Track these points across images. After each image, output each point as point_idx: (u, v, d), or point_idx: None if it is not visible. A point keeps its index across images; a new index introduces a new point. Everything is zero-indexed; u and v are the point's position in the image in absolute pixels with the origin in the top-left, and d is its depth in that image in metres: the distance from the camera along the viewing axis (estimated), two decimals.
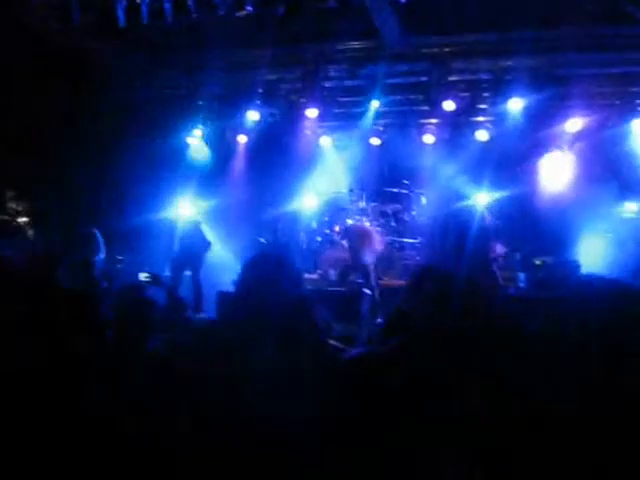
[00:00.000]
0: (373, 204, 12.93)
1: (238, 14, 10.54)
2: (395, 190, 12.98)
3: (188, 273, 12.26)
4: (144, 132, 13.69)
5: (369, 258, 10.75)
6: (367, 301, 9.90)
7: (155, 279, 8.09)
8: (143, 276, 10.56)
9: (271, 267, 3.24)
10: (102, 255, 10.42)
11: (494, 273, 10.52)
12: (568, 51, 11.50)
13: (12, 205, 10.62)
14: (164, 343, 3.57)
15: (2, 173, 10.80)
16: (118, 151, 13.13)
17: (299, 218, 13.52)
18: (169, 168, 13.71)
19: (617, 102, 11.95)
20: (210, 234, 12.74)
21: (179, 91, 13.75)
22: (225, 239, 13.51)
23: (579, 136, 12.31)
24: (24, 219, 10.62)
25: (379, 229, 12.45)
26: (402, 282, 11.46)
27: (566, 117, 12.19)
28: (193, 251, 12.15)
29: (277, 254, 3.67)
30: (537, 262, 10.97)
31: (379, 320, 9.36)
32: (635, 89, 11.89)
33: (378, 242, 11.21)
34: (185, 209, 12.82)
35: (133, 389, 3.21)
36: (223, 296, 9.43)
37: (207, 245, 12.22)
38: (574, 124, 12.23)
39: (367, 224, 12.39)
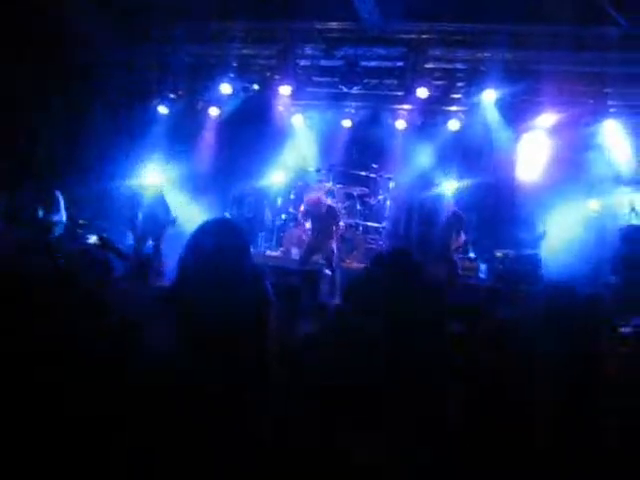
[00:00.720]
0: (339, 185, 12.90)
1: None
2: (363, 173, 12.95)
3: (151, 243, 12.15)
4: (113, 99, 13.58)
5: (333, 238, 10.71)
6: (326, 282, 9.91)
7: (105, 243, 8.00)
8: (93, 239, 10.47)
9: (223, 235, 3.17)
10: (63, 217, 10.36)
11: (454, 262, 10.59)
12: (544, 48, 11.56)
13: None
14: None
15: None
16: (86, 117, 13.00)
17: (266, 194, 13.45)
18: (138, 136, 13.58)
19: (590, 101, 11.98)
20: (175, 206, 12.57)
21: (150, 60, 13.58)
22: (191, 211, 13.39)
23: (550, 132, 12.34)
24: None
25: (344, 211, 12.46)
26: (364, 265, 11.51)
27: (538, 112, 12.21)
28: (156, 222, 12.01)
29: (228, 221, 3.62)
30: (498, 254, 11.03)
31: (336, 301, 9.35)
32: (608, 90, 11.94)
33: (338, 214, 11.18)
34: (152, 178, 12.69)
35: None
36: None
37: (171, 219, 12.09)
38: (546, 119, 12.26)
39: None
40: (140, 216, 11.97)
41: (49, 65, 11.96)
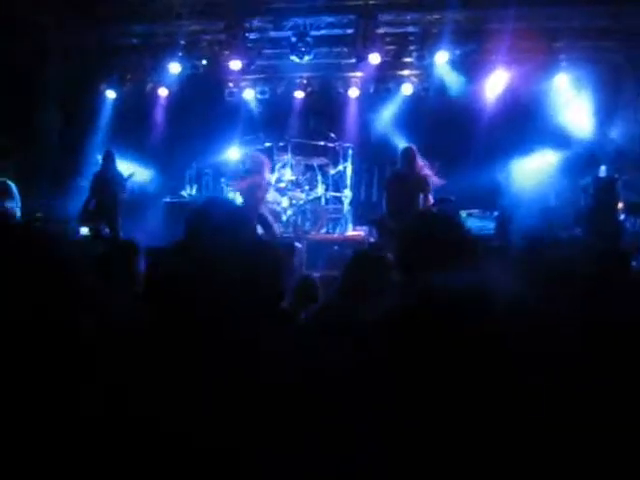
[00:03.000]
0: (298, 157, 12.79)
1: None
2: (321, 143, 12.85)
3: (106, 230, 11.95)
4: (58, 85, 13.29)
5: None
6: (299, 254, 9.81)
7: (97, 233, 7.91)
8: (85, 230, 10.30)
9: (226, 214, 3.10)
10: (16, 204, 10.10)
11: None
12: (493, 6, 11.58)
13: None
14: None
15: None
16: (32, 104, 12.70)
17: (223, 172, 13.28)
18: (87, 122, 13.35)
19: (541, 56, 12.04)
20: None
21: (95, 43, 13.31)
22: (147, 193, 13.21)
23: (504, 89, 12.39)
24: None
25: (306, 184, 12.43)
26: (328, 236, 11.48)
27: (491, 70, 12.24)
28: (109, 200, 11.74)
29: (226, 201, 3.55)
30: (464, 214, 11.05)
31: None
32: (558, 44, 12.02)
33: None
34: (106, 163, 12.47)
35: None
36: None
37: (123, 182, 11.78)
38: (499, 77, 12.29)
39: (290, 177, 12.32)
40: (92, 198, 11.71)
41: None
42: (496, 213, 11.14)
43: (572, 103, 12.24)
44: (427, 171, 10.03)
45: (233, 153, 13.23)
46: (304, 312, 4.62)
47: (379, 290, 3.48)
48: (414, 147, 10.02)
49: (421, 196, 10.04)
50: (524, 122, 11.94)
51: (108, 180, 11.52)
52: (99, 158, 12.08)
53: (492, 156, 11.73)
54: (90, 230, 10.48)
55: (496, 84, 12.38)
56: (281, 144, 12.79)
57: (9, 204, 10.00)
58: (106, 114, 13.76)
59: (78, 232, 10.80)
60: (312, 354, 2.21)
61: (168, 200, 12.76)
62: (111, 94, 13.79)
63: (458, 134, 11.93)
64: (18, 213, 10.14)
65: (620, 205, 10.59)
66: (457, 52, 12.00)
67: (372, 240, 10.56)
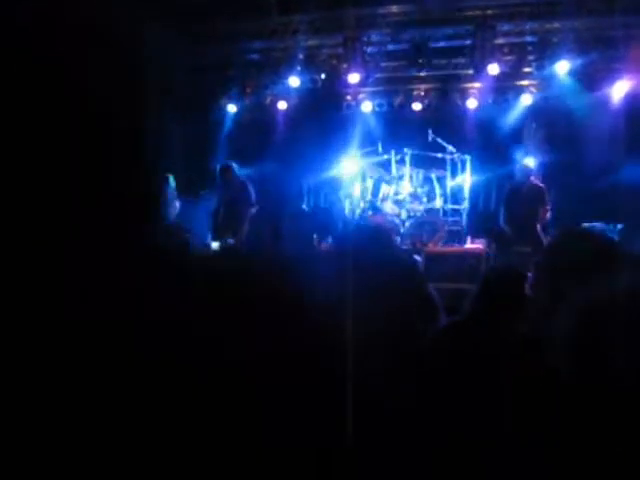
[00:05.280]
0: (416, 169, 12.81)
1: None
2: (439, 155, 12.83)
3: (231, 240, 12.27)
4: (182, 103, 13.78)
5: None
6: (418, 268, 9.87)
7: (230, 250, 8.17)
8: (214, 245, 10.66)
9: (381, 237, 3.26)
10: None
11: (539, 237, 10.44)
12: (616, 13, 11.33)
13: None
14: None
15: None
16: (156, 124, 13.14)
17: (340, 184, 13.43)
18: (211, 135, 13.77)
19: None
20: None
21: (213, 61, 13.74)
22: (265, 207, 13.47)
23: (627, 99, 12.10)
24: None
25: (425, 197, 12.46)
26: (446, 248, 11.46)
27: (615, 80, 11.99)
28: (235, 215, 12.11)
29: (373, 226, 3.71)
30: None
31: None
32: None
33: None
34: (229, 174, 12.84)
35: None
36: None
37: (251, 206, 12.14)
38: (622, 87, 12.03)
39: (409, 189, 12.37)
40: (221, 211, 12.11)
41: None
42: (619, 226, 10.88)
43: None
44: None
45: (351, 166, 13.35)
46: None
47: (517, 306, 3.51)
48: (530, 163, 10.02)
49: (540, 209, 10.00)
50: None
51: (231, 193, 11.88)
52: (219, 170, 12.43)
53: (612, 167, 11.44)
54: (221, 244, 10.81)
55: (619, 94, 12.11)
56: (399, 156, 12.83)
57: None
58: (227, 127, 14.18)
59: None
60: None
61: (292, 210, 12.99)
62: (232, 108, 14.17)
63: (578, 145, 11.74)
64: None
65: None
66: (578, 61, 11.80)
67: (491, 253, 10.52)
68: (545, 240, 10.35)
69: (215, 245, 11.14)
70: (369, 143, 13.58)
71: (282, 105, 14.08)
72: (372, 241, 3.21)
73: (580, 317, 2.24)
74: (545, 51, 12.00)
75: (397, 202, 12.39)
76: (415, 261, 3.34)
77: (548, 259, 3.28)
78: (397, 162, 12.76)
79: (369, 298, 2.91)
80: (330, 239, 10.62)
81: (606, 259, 3.03)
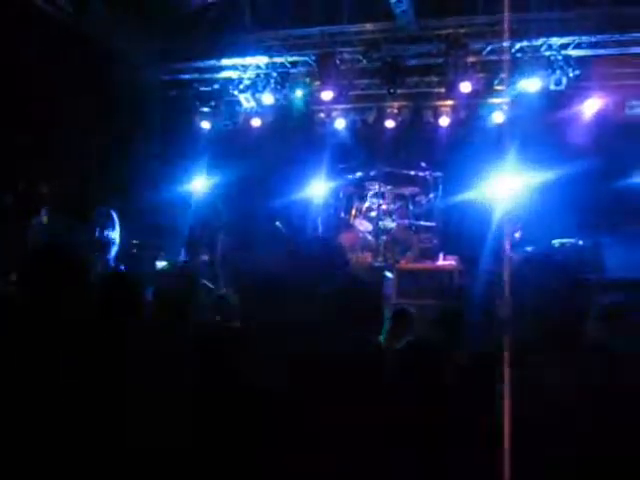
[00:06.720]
0: (389, 186, 12.84)
1: None
2: (412, 173, 12.87)
3: (205, 257, 12.23)
4: (155, 117, 13.80)
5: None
6: (389, 285, 9.90)
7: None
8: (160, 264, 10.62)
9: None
10: (116, 235, 10.44)
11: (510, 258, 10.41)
12: (586, 32, 11.45)
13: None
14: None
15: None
16: (131, 137, 13.17)
17: (314, 202, 13.42)
18: (183, 152, 13.74)
19: (638, 82, 11.83)
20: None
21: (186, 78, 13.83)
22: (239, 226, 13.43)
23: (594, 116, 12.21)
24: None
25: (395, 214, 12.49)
26: (419, 265, 11.45)
27: (585, 97, 12.09)
28: (208, 230, 12.11)
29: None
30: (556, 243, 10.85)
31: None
32: None
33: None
34: (201, 188, 12.83)
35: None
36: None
37: (223, 223, 12.15)
38: (592, 105, 12.14)
39: (384, 207, 12.39)
40: (192, 228, 12.10)
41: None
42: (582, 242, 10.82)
43: None
44: None
45: (324, 184, 13.35)
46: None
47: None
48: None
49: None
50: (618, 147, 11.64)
51: (204, 211, 11.89)
52: (192, 187, 12.43)
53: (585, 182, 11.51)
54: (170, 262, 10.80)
55: (590, 111, 12.21)
56: (372, 173, 12.87)
57: (110, 232, 10.35)
58: (201, 145, 14.13)
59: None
60: None
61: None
62: (205, 125, 14.13)
63: (554, 161, 11.79)
64: (117, 240, 10.48)
65: None
66: (548, 79, 11.88)
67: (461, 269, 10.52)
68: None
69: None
70: (342, 160, 13.60)
71: (256, 122, 14.05)
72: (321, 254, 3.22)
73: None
74: (516, 69, 12.05)
75: (370, 219, 12.41)
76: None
77: None
78: (369, 179, 12.79)
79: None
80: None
81: None
